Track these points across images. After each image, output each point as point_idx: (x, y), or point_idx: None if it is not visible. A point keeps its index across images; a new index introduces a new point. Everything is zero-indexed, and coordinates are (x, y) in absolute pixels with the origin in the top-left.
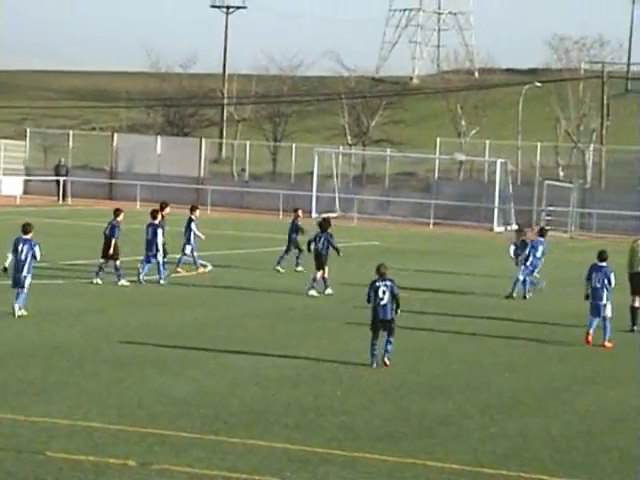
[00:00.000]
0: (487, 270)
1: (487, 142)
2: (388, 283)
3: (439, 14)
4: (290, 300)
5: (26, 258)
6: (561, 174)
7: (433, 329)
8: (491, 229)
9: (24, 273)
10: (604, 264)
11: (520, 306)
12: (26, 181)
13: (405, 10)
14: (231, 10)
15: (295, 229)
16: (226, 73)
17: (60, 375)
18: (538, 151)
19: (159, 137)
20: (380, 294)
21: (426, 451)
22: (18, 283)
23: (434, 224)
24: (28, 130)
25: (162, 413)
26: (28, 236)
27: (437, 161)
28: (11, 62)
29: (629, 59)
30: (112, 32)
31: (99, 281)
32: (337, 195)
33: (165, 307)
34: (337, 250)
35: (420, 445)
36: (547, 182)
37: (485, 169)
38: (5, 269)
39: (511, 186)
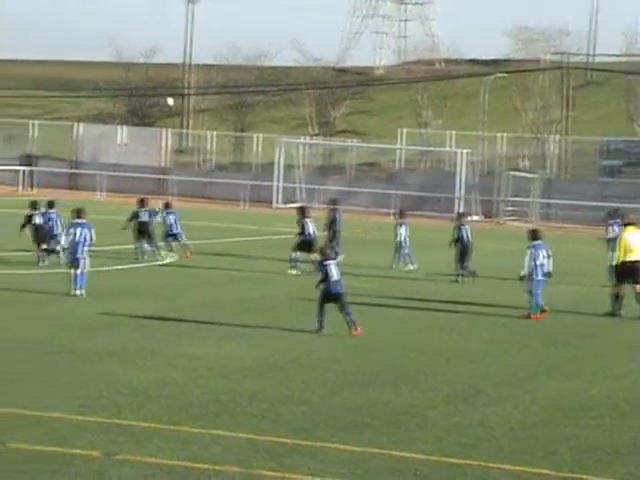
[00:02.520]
0: (448, 260)
1: (451, 133)
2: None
3: (404, 4)
4: (251, 290)
5: (80, 241)
6: (523, 165)
7: (394, 319)
8: (452, 219)
9: (79, 255)
10: (540, 242)
11: (479, 295)
12: None
13: (370, 0)
14: None
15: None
16: (190, 63)
17: (19, 366)
18: (503, 142)
19: (122, 127)
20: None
21: (390, 441)
22: (74, 264)
23: None
24: None
25: (123, 404)
26: (83, 220)
27: (399, 151)
28: None
29: (589, 49)
30: (75, 21)
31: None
32: (300, 185)
33: (124, 297)
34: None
35: (384, 435)
36: (510, 172)
37: (447, 159)
38: (61, 250)
39: (477, 176)
